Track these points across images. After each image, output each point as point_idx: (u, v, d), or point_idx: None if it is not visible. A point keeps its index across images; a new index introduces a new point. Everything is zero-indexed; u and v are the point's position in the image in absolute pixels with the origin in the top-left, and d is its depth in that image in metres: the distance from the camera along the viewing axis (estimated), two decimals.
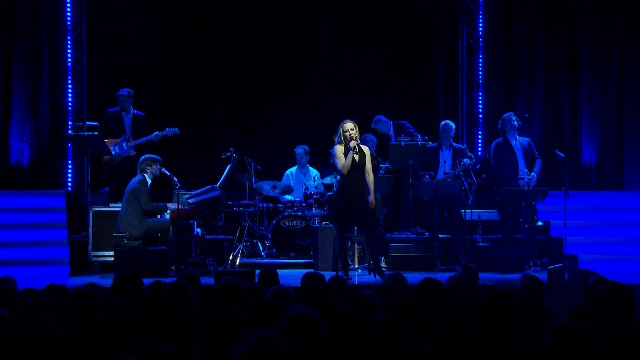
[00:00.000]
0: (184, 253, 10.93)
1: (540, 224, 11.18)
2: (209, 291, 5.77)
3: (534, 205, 11.37)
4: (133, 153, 11.84)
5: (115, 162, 11.91)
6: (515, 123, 11.46)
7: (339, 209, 9.99)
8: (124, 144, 11.86)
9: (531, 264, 11.01)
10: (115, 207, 11.24)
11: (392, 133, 12.48)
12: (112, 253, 10.75)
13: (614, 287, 5.37)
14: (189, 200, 11.00)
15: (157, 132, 11.85)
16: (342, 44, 13.77)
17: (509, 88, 13.53)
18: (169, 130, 11.85)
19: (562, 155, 10.98)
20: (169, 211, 10.88)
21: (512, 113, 11.66)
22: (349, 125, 9.89)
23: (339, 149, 9.91)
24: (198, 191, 11.04)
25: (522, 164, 11.47)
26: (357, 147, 9.81)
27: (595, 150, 13.34)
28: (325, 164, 12.30)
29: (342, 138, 9.89)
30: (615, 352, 4.30)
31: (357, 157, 9.85)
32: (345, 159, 9.82)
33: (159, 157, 10.98)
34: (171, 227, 10.76)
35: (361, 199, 9.90)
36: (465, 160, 11.34)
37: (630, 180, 13.28)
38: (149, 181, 10.87)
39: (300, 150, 12.52)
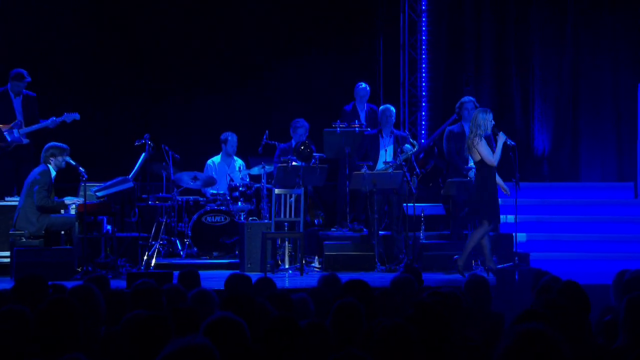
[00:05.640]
0: (91, 253, 10.82)
1: None
2: (120, 295, 5.72)
3: None
4: (25, 141, 11.55)
5: (6, 151, 11.55)
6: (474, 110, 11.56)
7: (492, 200, 10.30)
8: (14, 131, 11.52)
9: (478, 262, 11.16)
10: (12, 201, 11.03)
11: None
12: (7, 253, 10.56)
13: (567, 287, 5.47)
14: (97, 193, 10.86)
15: (54, 118, 11.55)
16: (271, 22, 13.75)
17: (455, 68, 13.67)
18: (67, 116, 11.56)
19: (513, 142, 11.11)
20: (74, 205, 10.74)
21: (474, 99, 11.75)
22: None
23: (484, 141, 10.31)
24: (108, 183, 10.91)
25: None
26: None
27: (548, 137, 13.58)
28: (252, 152, 12.28)
29: (485, 129, 10.25)
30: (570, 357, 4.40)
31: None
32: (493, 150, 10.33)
33: (66, 147, 10.71)
34: (77, 224, 10.62)
35: None
36: (405, 145, 11.41)
37: (586, 171, 13.53)
38: (53, 173, 10.65)
39: (233, 136, 12.41)
